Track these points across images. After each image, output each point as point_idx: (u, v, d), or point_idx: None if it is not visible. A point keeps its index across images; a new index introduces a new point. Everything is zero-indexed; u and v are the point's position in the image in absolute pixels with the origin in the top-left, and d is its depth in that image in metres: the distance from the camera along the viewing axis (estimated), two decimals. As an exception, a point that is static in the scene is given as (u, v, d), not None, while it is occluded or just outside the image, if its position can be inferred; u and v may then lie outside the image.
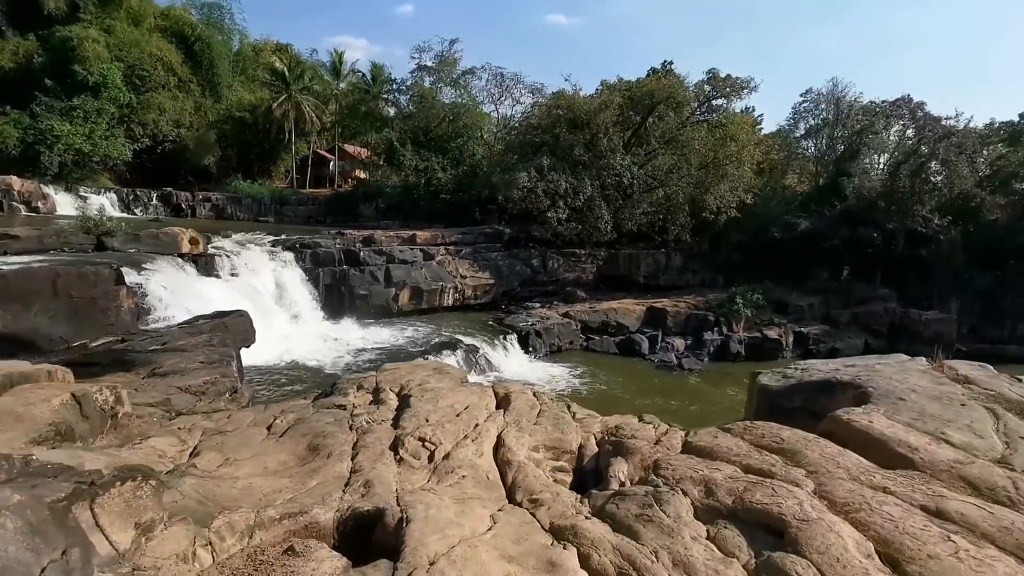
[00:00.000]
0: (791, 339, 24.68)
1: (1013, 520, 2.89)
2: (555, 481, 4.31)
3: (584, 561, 2.78)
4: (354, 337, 18.90)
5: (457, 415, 5.24)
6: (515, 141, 30.79)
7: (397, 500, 3.50)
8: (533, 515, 3.42)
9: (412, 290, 22.41)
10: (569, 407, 5.89)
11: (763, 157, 32.61)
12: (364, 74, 43.38)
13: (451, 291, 23.31)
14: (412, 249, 23.36)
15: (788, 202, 30.65)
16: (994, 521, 2.88)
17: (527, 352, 20.87)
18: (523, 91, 35.23)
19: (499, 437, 4.78)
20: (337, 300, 20.68)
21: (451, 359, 17.60)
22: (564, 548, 2.87)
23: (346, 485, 3.82)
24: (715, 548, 2.84)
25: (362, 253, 21.81)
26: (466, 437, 4.77)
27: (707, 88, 28.95)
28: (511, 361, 19.81)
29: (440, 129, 32.71)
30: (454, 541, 2.92)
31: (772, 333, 24.15)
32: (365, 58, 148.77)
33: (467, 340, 19.55)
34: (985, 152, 30.98)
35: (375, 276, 21.73)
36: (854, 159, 29.35)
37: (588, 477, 4.65)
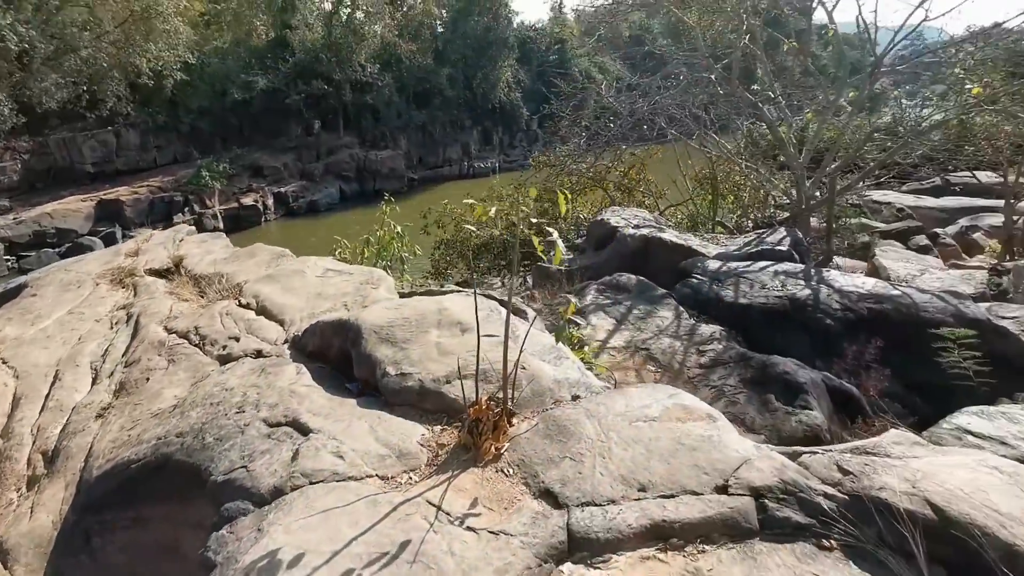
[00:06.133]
0: (271, 201, 25.64)
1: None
2: None
3: None
4: None
5: None
6: None
7: None
8: None
9: None
10: None
11: (206, 8, 29.79)
12: None
13: None
14: None
15: (245, 59, 29.51)
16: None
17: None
18: None
19: None
20: None
21: None
22: None
23: None
24: None
25: None
26: None
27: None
28: None
29: None
30: None
31: (248, 200, 24.48)
32: None
33: None
34: (405, 6, 35.72)
35: None
36: (293, 10, 29.62)
37: None
